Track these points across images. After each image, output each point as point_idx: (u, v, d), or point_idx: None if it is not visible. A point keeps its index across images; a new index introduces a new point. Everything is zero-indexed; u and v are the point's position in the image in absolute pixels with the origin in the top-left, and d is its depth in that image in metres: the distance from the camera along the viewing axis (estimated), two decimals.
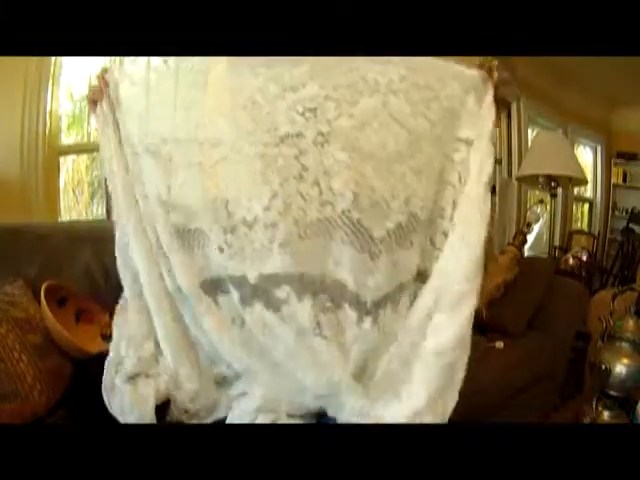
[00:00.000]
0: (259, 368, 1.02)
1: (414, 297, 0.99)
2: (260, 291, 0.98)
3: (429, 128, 0.94)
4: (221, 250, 1.00)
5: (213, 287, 1.04)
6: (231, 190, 0.99)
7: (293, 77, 0.93)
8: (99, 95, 1.07)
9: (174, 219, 1.04)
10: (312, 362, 0.96)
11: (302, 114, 0.93)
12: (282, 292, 0.97)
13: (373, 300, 0.96)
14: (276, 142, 0.94)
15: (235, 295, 1.00)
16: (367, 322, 0.96)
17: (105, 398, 1.01)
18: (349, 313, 0.97)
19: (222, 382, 1.10)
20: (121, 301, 1.13)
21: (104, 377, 1.03)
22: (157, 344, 1.08)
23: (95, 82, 1.08)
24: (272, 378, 1.02)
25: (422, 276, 0.99)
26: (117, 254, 1.08)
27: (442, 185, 0.98)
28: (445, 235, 0.98)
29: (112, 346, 1.09)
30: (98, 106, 1.07)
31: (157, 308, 1.05)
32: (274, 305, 0.97)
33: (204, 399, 1.05)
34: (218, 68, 1.00)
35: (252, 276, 0.97)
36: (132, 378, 1.02)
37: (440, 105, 0.94)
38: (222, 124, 0.99)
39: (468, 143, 0.96)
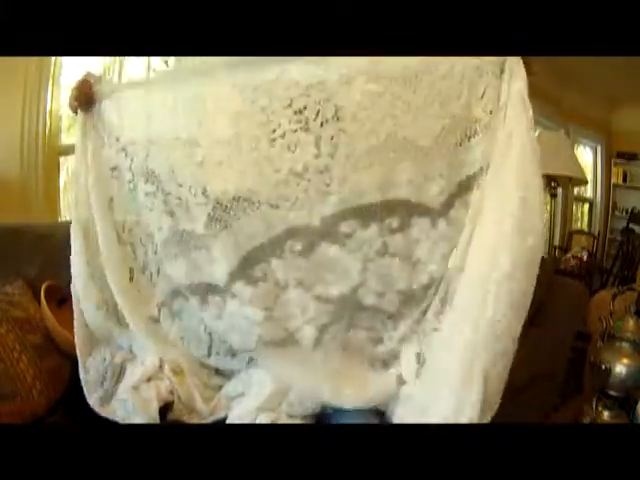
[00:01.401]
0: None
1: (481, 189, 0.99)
2: (325, 233, 1.01)
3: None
4: (275, 207, 1.00)
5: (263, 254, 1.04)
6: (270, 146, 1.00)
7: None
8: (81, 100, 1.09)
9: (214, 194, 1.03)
10: (381, 281, 1.00)
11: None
12: (347, 227, 1.00)
13: (440, 203, 0.99)
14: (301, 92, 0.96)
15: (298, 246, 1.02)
16: (441, 224, 1.00)
17: (97, 407, 1.02)
18: (419, 222, 1.01)
19: (221, 383, 1.10)
20: None
21: (100, 388, 1.05)
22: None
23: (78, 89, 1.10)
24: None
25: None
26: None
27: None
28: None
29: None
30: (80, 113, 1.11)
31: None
32: (340, 241, 1.01)
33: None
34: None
35: (316, 220, 1.00)
36: (136, 386, 1.03)
37: None
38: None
39: None
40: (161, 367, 1.08)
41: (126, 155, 1.10)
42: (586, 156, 4.90)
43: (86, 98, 1.09)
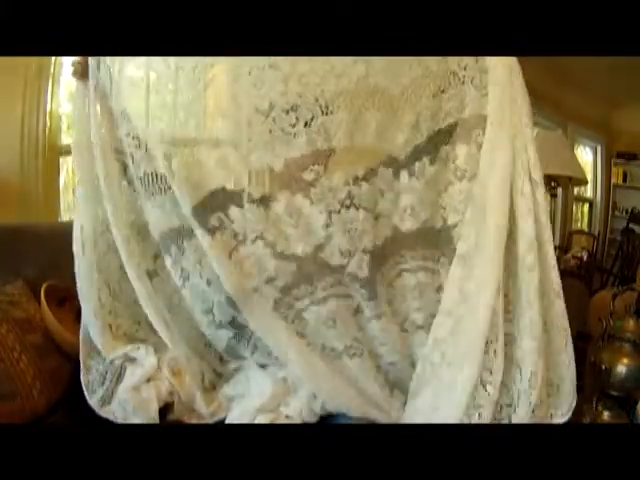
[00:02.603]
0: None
1: (455, 146, 0.99)
2: (286, 180, 0.99)
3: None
4: (235, 147, 0.99)
5: (224, 199, 1.02)
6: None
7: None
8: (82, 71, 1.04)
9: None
10: (344, 230, 0.98)
11: None
12: (310, 174, 0.98)
13: (406, 154, 0.99)
14: None
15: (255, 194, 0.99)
16: (404, 176, 1.00)
17: (98, 408, 1.02)
18: (383, 173, 1.00)
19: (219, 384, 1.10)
20: None
21: (100, 388, 1.04)
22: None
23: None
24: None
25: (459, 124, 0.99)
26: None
27: None
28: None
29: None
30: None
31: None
32: (303, 190, 0.99)
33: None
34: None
35: (278, 166, 0.98)
36: (136, 387, 1.03)
37: None
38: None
39: None
40: (160, 368, 1.07)
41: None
42: (586, 156, 4.90)
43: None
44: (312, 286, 1.02)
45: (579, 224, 4.95)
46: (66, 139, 2.15)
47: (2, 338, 1.04)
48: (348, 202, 0.99)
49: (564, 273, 3.12)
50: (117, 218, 1.07)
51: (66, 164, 2.17)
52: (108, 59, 1.02)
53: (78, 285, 1.10)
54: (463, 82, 0.97)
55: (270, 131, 0.96)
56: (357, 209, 0.99)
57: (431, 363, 1.00)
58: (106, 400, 1.02)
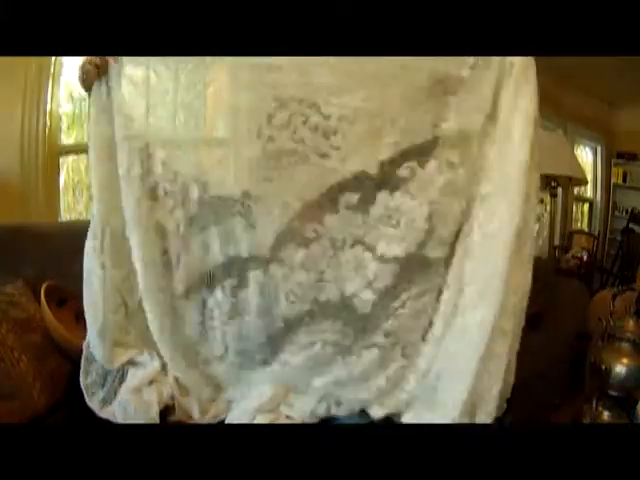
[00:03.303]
0: None
1: None
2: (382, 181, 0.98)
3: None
4: (324, 156, 0.96)
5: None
6: None
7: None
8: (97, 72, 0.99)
9: None
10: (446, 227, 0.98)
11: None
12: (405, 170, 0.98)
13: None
14: None
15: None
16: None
17: (97, 409, 1.02)
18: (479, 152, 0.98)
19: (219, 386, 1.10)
20: None
21: (101, 390, 1.04)
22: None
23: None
24: None
25: None
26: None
27: None
28: None
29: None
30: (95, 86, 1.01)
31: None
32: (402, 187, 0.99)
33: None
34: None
35: (372, 167, 0.97)
36: (138, 389, 1.03)
37: None
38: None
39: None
40: (164, 370, 1.07)
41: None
42: (586, 156, 4.89)
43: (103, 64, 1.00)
44: (410, 284, 1.01)
45: (579, 224, 4.94)
46: (66, 139, 2.15)
47: (2, 338, 1.04)
48: (447, 190, 0.97)
49: (564, 273, 3.13)
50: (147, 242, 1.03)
51: (66, 164, 2.18)
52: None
53: (87, 302, 1.05)
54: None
55: (358, 136, 0.95)
56: (454, 195, 0.97)
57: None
58: (107, 401, 1.02)
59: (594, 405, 1.42)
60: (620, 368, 1.39)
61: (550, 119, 4.15)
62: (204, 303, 1.06)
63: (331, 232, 1.00)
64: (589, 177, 4.19)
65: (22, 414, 1.00)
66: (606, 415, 1.40)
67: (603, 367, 1.41)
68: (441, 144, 0.97)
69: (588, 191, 4.96)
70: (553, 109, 4.12)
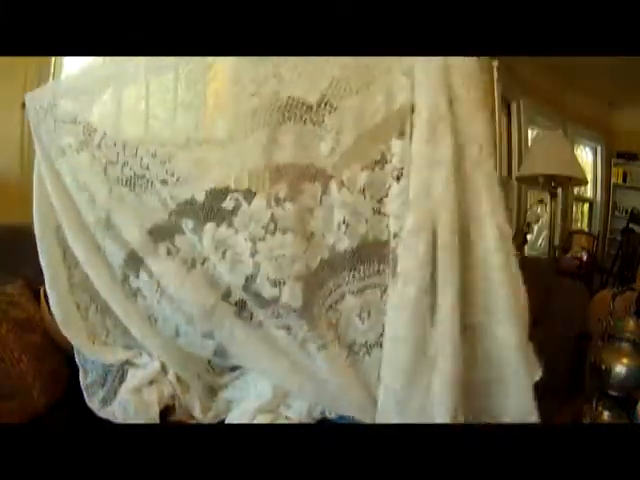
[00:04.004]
0: None
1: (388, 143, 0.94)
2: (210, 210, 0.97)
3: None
4: (164, 182, 0.97)
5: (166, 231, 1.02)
6: None
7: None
8: None
9: None
10: (271, 258, 0.94)
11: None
12: (230, 202, 0.96)
13: (334, 164, 0.94)
14: None
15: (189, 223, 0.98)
16: (333, 189, 0.95)
17: (97, 410, 1.02)
18: (309, 189, 0.95)
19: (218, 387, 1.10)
20: None
21: (100, 390, 1.04)
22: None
23: None
24: None
25: None
26: None
27: None
28: None
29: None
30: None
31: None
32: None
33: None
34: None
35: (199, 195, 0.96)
36: (138, 388, 1.03)
37: None
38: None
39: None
40: (164, 370, 1.07)
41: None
42: (586, 156, 4.90)
43: None
44: (252, 318, 0.99)
45: (579, 224, 4.94)
46: None
47: (2, 338, 1.04)
48: (272, 227, 0.94)
49: (564, 273, 3.13)
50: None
51: None
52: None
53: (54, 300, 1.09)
54: (390, 71, 0.90)
55: (191, 163, 0.97)
56: (283, 233, 0.93)
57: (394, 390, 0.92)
58: (107, 401, 1.02)
59: (594, 405, 1.42)
60: (620, 368, 1.39)
61: (550, 119, 4.16)
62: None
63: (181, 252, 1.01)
64: (589, 177, 4.20)
65: (22, 414, 1.00)
66: (606, 415, 1.40)
67: (603, 367, 1.41)
68: (263, 173, 0.97)
69: (588, 191, 4.96)
70: (553, 109, 4.13)
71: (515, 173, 3.50)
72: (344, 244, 0.94)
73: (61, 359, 1.14)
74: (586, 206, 5.07)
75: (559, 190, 3.05)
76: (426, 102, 0.88)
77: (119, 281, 1.06)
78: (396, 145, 0.92)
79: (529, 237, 3.49)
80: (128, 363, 1.09)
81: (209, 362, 1.11)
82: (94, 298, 1.10)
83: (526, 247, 3.29)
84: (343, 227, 0.94)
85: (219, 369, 1.13)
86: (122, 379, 1.06)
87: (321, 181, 0.94)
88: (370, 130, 0.92)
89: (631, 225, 4.33)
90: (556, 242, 4.01)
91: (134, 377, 1.05)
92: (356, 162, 0.94)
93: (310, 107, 0.91)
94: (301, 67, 0.91)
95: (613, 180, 4.92)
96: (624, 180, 4.91)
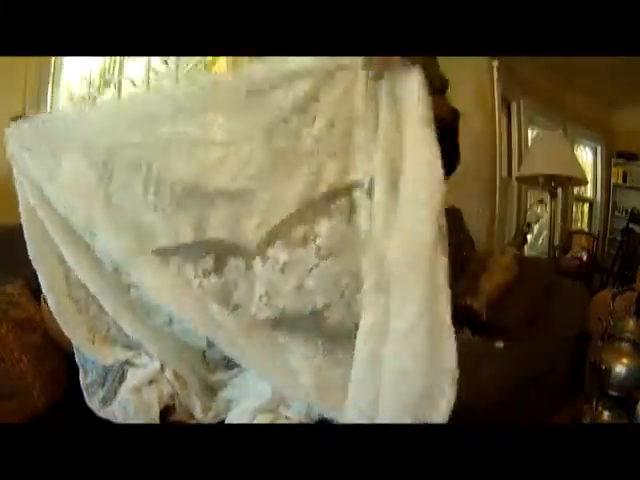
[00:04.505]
0: None
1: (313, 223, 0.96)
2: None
3: None
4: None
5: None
6: None
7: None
8: None
9: None
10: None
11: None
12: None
13: (260, 241, 0.96)
14: None
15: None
16: (257, 265, 0.98)
17: (97, 410, 1.02)
18: (233, 263, 0.98)
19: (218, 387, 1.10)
20: None
21: (100, 389, 1.04)
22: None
23: None
24: None
25: None
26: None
27: None
28: None
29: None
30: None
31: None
32: None
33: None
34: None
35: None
36: (138, 388, 1.03)
37: None
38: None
39: None
40: (162, 370, 1.07)
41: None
42: (586, 156, 4.89)
43: None
44: None
45: (579, 224, 4.94)
46: None
47: (2, 338, 1.04)
48: None
49: (564, 273, 3.13)
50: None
51: None
52: None
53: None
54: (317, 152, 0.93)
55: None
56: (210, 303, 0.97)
57: None
58: (107, 401, 1.02)
59: (594, 405, 1.42)
60: (620, 368, 1.39)
61: (550, 119, 4.16)
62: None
63: None
64: (589, 177, 4.20)
65: (22, 414, 1.00)
66: (606, 415, 1.40)
67: (603, 367, 1.41)
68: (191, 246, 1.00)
69: (588, 191, 4.96)
70: (554, 109, 4.13)
71: (515, 173, 3.49)
72: (264, 314, 0.97)
73: (61, 359, 1.14)
74: (586, 206, 5.06)
75: (559, 190, 3.05)
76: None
77: (109, 273, 1.07)
78: (321, 224, 0.95)
79: (529, 237, 3.48)
80: (128, 363, 1.09)
81: (204, 353, 1.12)
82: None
83: (526, 247, 3.29)
84: (265, 299, 0.97)
85: (213, 363, 1.12)
86: (122, 379, 1.06)
87: (245, 256, 0.98)
88: (297, 210, 0.95)
89: (631, 225, 4.33)
90: (556, 242, 4.01)
91: (134, 377, 1.05)
92: (280, 240, 0.96)
93: (233, 190, 0.96)
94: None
95: (613, 180, 4.92)
96: (624, 180, 4.90)
